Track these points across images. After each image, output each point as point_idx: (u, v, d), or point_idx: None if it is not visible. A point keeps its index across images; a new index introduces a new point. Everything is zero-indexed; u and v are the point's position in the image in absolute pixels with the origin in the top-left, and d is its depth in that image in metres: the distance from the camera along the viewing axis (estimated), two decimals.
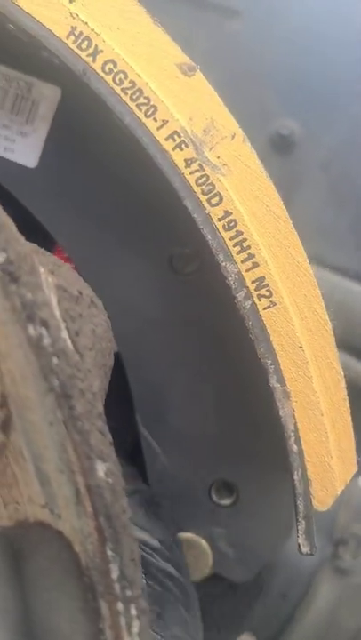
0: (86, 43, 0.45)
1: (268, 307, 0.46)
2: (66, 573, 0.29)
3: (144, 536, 0.54)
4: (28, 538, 0.30)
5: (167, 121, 0.45)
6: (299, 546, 0.48)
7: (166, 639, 0.48)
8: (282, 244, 0.46)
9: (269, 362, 0.46)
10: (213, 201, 0.46)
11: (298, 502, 0.48)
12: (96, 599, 0.28)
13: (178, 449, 0.57)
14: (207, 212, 0.46)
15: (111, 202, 0.53)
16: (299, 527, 0.48)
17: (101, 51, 0.45)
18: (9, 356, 0.27)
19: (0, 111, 0.54)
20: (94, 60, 0.45)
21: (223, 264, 0.46)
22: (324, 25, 0.86)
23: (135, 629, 0.28)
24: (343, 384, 0.47)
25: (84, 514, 0.27)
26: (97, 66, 0.45)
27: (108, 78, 0.45)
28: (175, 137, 0.45)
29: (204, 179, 0.45)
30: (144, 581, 0.48)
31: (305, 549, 0.48)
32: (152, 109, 0.45)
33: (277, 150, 0.86)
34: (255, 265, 0.46)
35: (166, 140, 0.45)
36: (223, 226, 0.46)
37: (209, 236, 0.46)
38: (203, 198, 0.45)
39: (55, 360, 0.27)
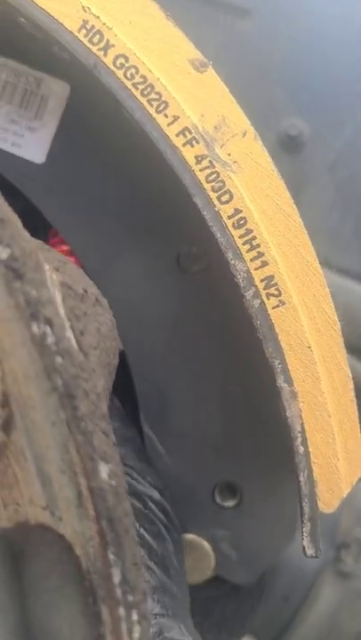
0: (98, 37, 0.44)
1: (277, 306, 0.45)
2: (66, 576, 0.29)
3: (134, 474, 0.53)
4: (28, 540, 0.30)
5: (178, 117, 0.44)
6: (303, 548, 0.48)
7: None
8: (292, 243, 0.45)
9: (277, 361, 0.46)
10: (223, 198, 0.45)
11: (303, 504, 0.47)
12: (97, 603, 0.27)
13: (181, 449, 0.56)
14: (217, 209, 0.45)
15: (119, 199, 0.53)
16: (304, 529, 0.47)
17: (113, 45, 0.44)
18: (12, 355, 0.26)
19: (9, 106, 0.53)
20: (105, 55, 0.44)
21: (232, 262, 0.45)
22: (333, 25, 0.85)
23: (136, 635, 0.28)
24: (351, 385, 0.47)
25: (85, 517, 0.26)
26: (108, 60, 0.44)
27: (119, 73, 0.44)
28: (186, 133, 0.45)
29: (215, 176, 0.45)
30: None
31: (310, 552, 0.48)
32: (163, 105, 0.44)
33: (286, 150, 0.85)
34: (264, 263, 0.45)
35: (177, 136, 0.45)
36: (233, 224, 0.45)
37: (218, 234, 0.45)
38: (213, 195, 0.45)
39: (59, 359, 0.26)
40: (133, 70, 0.44)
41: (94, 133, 0.51)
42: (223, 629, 0.62)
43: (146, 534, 0.51)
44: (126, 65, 0.44)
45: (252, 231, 0.45)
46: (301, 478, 0.47)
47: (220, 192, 0.45)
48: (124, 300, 0.52)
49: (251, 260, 0.45)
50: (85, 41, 0.44)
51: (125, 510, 0.27)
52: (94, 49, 0.44)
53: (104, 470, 0.27)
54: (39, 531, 0.28)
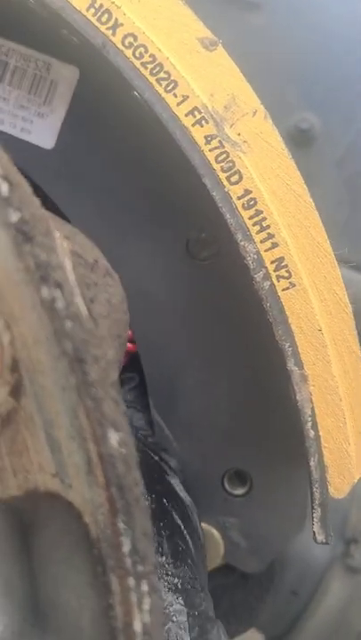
0: (106, 16, 0.44)
1: (287, 288, 0.45)
2: (75, 546, 0.28)
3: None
4: (37, 510, 0.29)
5: (187, 96, 0.44)
6: (314, 534, 0.47)
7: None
8: (302, 224, 0.45)
9: (287, 344, 0.45)
10: (233, 179, 0.45)
11: (314, 489, 0.47)
12: (106, 573, 0.27)
13: (190, 436, 0.56)
14: (226, 190, 0.45)
15: (128, 184, 0.53)
16: (314, 515, 0.47)
17: (121, 24, 0.44)
18: (21, 319, 0.26)
19: (18, 91, 0.53)
20: (114, 34, 0.44)
21: (242, 243, 0.45)
22: (344, 20, 0.85)
23: (146, 606, 0.27)
24: None
25: (95, 483, 0.26)
26: (117, 39, 0.44)
27: (128, 52, 0.44)
28: (195, 113, 0.44)
29: (224, 156, 0.45)
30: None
31: (320, 537, 0.47)
32: (172, 84, 0.44)
33: (296, 144, 0.85)
34: (275, 245, 0.45)
35: (186, 115, 0.44)
36: (243, 204, 0.45)
37: (228, 215, 0.45)
38: (222, 176, 0.45)
39: (69, 323, 0.26)
40: (142, 49, 0.44)
41: (103, 118, 0.51)
42: (232, 618, 0.62)
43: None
44: (135, 44, 0.44)
45: (262, 212, 0.45)
46: (312, 463, 0.47)
47: (229, 172, 0.45)
48: (133, 287, 0.52)
49: (261, 242, 0.45)
50: (94, 20, 0.44)
51: (136, 480, 0.27)
52: (103, 28, 0.44)
53: (114, 437, 0.26)
54: (48, 499, 0.28)
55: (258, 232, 0.45)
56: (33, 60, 0.52)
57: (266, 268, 0.45)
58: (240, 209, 0.45)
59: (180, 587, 0.46)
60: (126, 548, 0.27)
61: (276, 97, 0.85)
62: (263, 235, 0.45)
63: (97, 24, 0.44)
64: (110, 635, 0.27)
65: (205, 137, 0.45)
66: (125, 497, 0.26)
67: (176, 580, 0.46)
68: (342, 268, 0.84)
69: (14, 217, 0.25)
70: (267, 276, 0.45)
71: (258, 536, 0.57)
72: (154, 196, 0.52)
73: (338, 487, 0.47)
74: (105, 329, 0.30)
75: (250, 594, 0.62)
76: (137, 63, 0.44)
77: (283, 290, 0.45)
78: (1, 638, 0.30)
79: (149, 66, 0.44)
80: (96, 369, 0.26)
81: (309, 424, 0.46)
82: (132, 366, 0.57)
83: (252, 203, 0.45)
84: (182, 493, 0.54)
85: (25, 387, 0.26)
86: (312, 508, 0.48)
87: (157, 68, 0.44)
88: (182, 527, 0.51)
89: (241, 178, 0.45)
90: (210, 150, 0.45)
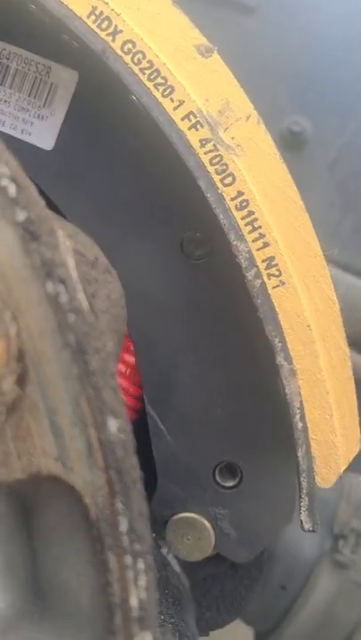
0: (106, 22, 0.46)
1: (278, 286, 0.47)
2: (75, 527, 0.30)
3: None
4: (39, 493, 0.31)
5: (183, 101, 0.46)
6: (301, 522, 0.49)
7: None
8: (293, 225, 0.47)
9: (277, 340, 0.47)
10: (227, 181, 0.46)
11: (301, 479, 0.48)
12: (104, 551, 0.29)
13: (183, 429, 0.57)
14: (220, 191, 0.46)
15: (125, 185, 0.54)
16: (302, 504, 0.49)
17: (121, 31, 0.46)
18: (28, 312, 0.28)
19: (18, 94, 0.54)
20: (114, 40, 0.46)
21: (234, 243, 0.47)
22: (337, 24, 0.87)
23: (142, 583, 0.29)
24: (349, 363, 0.48)
25: (95, 466, 0.28)
26: (116, 45, 0.46)
27: (127, 58, 0.46)
28: (191, 117, 0.46)
29: (218, 159, 0.46)
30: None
31: (307, 526, 0.49)
32: (169, 89, 0.46)
33: (288, 147, 0.87)
34: (266, 244, 0.47)
35: (182, 120, 0.46)
36: (235, 205, 0.46)
37: (221, 216, 0.47)
38: (216, 178, 0.46)
39: (72, 317, 0.27)
40: (140, 55, 0.46)
41: (101, 120, 0.53)
42: (222, 606, 0.64)
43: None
44: (133, 50, 0.46)
45: (254, 213, 0.47)
46: (300, 453, 0.49)
47: (223, 174, 0.46)
48: (129, 285, 0.53)
49: (253, 241, 0.47)
50: (94, 27, 0.45)
51: (133, 464, 0.29)
52: (103, 34, 0.45)
53: (113, 424, 0.28)
54: (51, 482, 0.29)
55: (250, 232, 0.47)
56: (33, 63, 0.54)
57: (257, 266, 0.47)
58: (233, 210, 0.47)
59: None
60: (124, 527, 0.28)
61: (268, 100, 0.87)
62: (255, 234, 0.47)
63: (97, 30, 0.46)
64: (108, 610, 0.29)
65: (200, 140, 0.46)
66: (123, 480, 0.28)
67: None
68: (332, 269, 0.86)
69: (22, 216, 0.27)
70: (258, 275, 0.47)
71: (248, 527, 0.58)
72: (150, 196, 0.54)
73: (325, 477, 0.49)
74: (105, 323, 0.31)
75: (239, 583, 0.63)
76: (135, 69, 0.46)
77: (273, 287, 0.47)
78: (3, 616, 0.32)
79: (147, 71, 0.46)
80: (97, 359, 0.28)
81: (298, 416, 0.48)
82: None
83: (244, 204, 0.47)
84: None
85: (30, 376, 0.28)
86: (300, 497, 0.49)
87: (155, 74, 0.46)
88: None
89: (234, 180, 0.47)
90: (205, 153, 0.46)
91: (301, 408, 0.47)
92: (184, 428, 0.57)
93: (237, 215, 0.47)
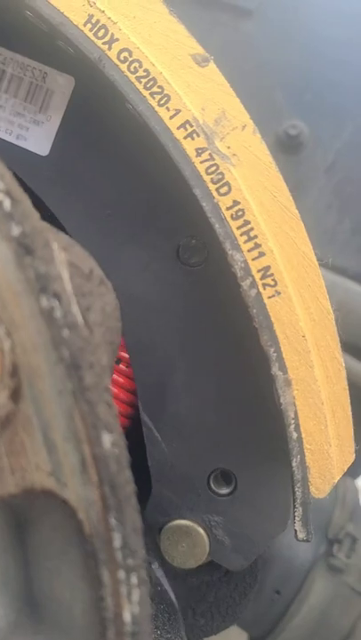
0: (103, 31, 0.45)
1: (273, 295, 0.47)
2: (69, 542, 0.30)
3: None
4: (33, 507, 0.31)
5: (180, 110, 0.46)
6: (295, 532, 0.49)
7: None
8: (288, 235, 0.47)
9: (272, 349, 0.47)
10: (222, 190, 0.46)
11: (296, 489, 0.48)
12: (98, 567, 0.29)
13: (178, 437, 0.57)
14: (216, 200, 0.46)
15: (121, 191, 0.54)
16: (296, 513, 0.49)
17: (117, 39, 0.45)
18: (22, 327, 0.28)
19: (14, 99, 0.54)
20: (110, 48, 0.45)
21: (230, 252, 0.47)
22: (335, 27, 0.87)
23: (135, 598, 0.29)
24: (344, 374, 0.48)
25: (89, 482, 0.28)
26: (112, 54, 0.46)
27: (123, 66, 0.46)
28: (187, 126, 0.46)
29: (214, 168, 0.46)
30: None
31: (301, 535, 0.49)
32: (165, 98, 0.46)
33: (285, 150, 0.87)
34: (261, 254, 0.47)
35: (178, 129, 0.46)
36: (231, 215, 0.46)
37: (217, 225, 0.46)
38: (212, 187, 0.46)
39: (66, 332, 0.27)
40: (137, 64, 0.46)
41: (98, 127, 0.53)
42: (216, 614, 0.63)
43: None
44: (130, 59, 0.46)
45: (249, 222, 0.47)
46: (294, 463, 0.49)
47: (219, 184, 0.46)
48: (125, 291, 0.53)
49: (248, 251, 0.47)
50: (91, 35, 0.45)
51: (127, 479, 0.29)
52: (99, 43, 0.45)
53: (107, 439, 0.28)
54: (44, 497, 0.29)
55: (245, 242, 0.47)
56: (30, 68, 0.54)
57: (253, 276, 0.47)
58: (229, 219, 0.47)
59: None
60: (117, 542, 0.28)
61: (265, 103, 0.87)
62: (250, 244, 0.47)
63: (93, 39, 0.45)
64: (101, 624, 0.29)
65: (196, 149, 0.46)
66: (117, 495, 0.28)
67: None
68: (328, 273, 0.86)
69: (16, 231, 0.27)
70: (253, 284, 0.47)
71: (242, 534, 0.58)
72: (147, 203, 0.54)
73: (319, 487, 0.49)
74: (99, 336, 0.31)
75: (234, 590, 0.63)
76: (131, 77, 0.46)
77: (268, 297, 0.47)
78: None
79: (143, 80, 0.46)
80: (91, 374, 0.28)
81: (292, 426, 0.48)
82: None
83: (240, 213, 0.47)
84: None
85: (24, 391, 0.28)
86: (294, 507, 0.49)
87: (151, 83, 0.46)
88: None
89: (230, 189, 0.46)
90: (200, 162, 0.46)
91: (296, 418, 0.47)
92: (179, 435, 0.57)
93: (233, 225, 0.46)
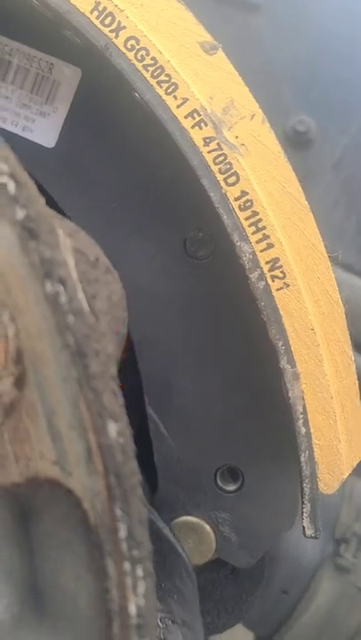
0: (110, 18, 0.45)
1: (281, 288, 0.46)
2: (74, 532, 0.30)
3: None
4: (37, 497, 0.30)
5: (187, 99, 0.45)
6: (303, 528, 0.48)
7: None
8: (297, 226, 0.46)
9: (280, 343, 0.46)
10: (230, 180, 0.46)
11: (304, 485, 0.48)
12: (103, 557, 0.28)
13: (184, 432, 0.57)
14: (224, 191, 0.46)
15: (128, 183, 0.54)
16: (304, 510, 0.48)
17: (124, 27, 0.45)
18: (26, 312, 0.27)
19: (20, 91, 0.54)
20: (117, 36, 0.45)
21: (238, 244, 0.46)
22: (343, 22, 0.86)
23: (141, 590, 0.28)
24: (354, 368, 0.47)
25: (94, 471, 0.27)
26: (119, 42, 0.45)
27: (130, 55, 0.45)
28: (195, 115, 0.45)
29: (222, 158, 0.46)
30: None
31: (309, 532, 0.48)
32: (173, 87, 0.45)
33: (293, 146, 0.86)
34: (270, 246, 0.46)
35: (186, 117, 0.45)
36: (239, 206, 0.46)
37: (225, 216, 0.46)
38: (220, 177, 0.46)
39: (71, 318, 0.27)
40: (144, 52, 0.45)
41: (104, 118, 0.52)
42: (222, 611, 0.63)
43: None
44: (137, 47, 0.45)
45: (258, 213, 0.46)
46: (302, 459, 0.48)
47: (227, 174, 0.46)
48: (131, 283, 0.53)
49: (256, 242, 0.46)
50: (97, 22, 0.45)
51: (133, 469, 0.28)
52: (106, 30, 0.45)
53: (113, 428, 0.27)
54: (49, 486, 0.29)
55: (254, 233, 0.46)
56: (36, 59, 0.53)
57: (261, 268, 0.46)
58: (237, 210, 0.46)
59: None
60: (123, 533, 0.28)
61: (273, 98, 0.86)
62: (259, 235, 0.46)
63: (100, 26, 0.45)
64: (106, 616, 0.28)
65: (204, 139, 0.46)
66: (123, 485, 0.28)
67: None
68: (337, 269, 0.85)
69: (20, 214, 0.26)
70: (262, 276, 0.46)
71: (249, 531, 0.58)
72: (154, 194, 0.53)
73: (328, 483, 0.48)
74: (105, 324, 0.31)
75: (240, 587, 0.63)
76: (139, 65, 0.45)
77: (277, 290, 0.46)
78: (1, 620, 0.31)
79: (150, 68, 0.45)
80: (96, 362, 0.27)
81: (301, 421, 0.47)
82: None
83: (248, 204, 0.46)
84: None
85: (28, 377, 0.28)
86: (302, 503, 0.49)
87: (158, 71, 0.45)
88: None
89: (238, 179, 0.46)
90: (208, 152, 0.46)
91: (305, 413, 0.47)
92: (185, 429, 0.57)
93: (241, 215, 0.46)
